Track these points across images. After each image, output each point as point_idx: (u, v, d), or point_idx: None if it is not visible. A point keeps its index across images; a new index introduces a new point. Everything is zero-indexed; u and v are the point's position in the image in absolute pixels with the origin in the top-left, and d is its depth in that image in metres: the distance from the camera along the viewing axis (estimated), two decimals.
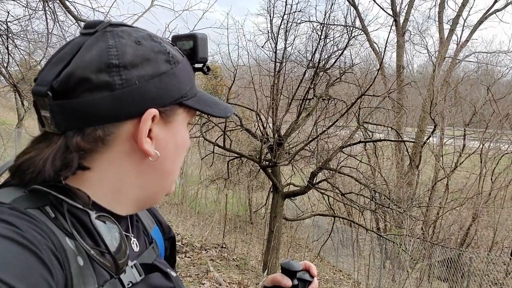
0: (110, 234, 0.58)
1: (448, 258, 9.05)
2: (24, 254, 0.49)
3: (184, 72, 0.66)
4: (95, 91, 0.58)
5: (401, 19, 14.65)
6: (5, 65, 5.48)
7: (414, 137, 13.38)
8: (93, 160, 0.61)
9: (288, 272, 0.86)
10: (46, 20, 5.40)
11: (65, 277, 0.53)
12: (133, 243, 0.72)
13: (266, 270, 7.17)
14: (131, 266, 0.66)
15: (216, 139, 7.94)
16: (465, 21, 14.60)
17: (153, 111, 0.61)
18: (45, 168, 0.57)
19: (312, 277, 0.88)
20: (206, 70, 0.72)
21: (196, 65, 0.71)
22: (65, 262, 0.54)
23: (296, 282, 0.86)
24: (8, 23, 5.28)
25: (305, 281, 0.87)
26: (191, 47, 0.70)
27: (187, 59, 0.69)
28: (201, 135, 7.63)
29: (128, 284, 0.64)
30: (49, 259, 0.51)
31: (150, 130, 0.62)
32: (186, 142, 0.71)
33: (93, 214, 0.57)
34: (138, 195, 0.67)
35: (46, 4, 5.33)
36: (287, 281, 0.85)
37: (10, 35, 5.38)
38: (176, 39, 0.71)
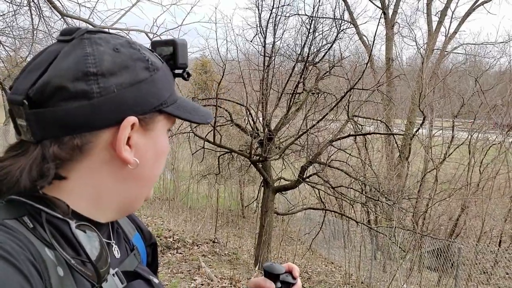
0: (90, 243, 0.58)
1: (438, 248, 9.16)
2: (3, 265, 0.48)
3: (163, 79, 0.65)
4: (72, 100, 0.57)
5: (390, 12, 14.68)
6: None
7: (404, 129, 13.47)
8: (71, 169, 0.61)
9: (271, 275, 0.86)
10: (31, 16, 5.32)
11: None
12: (114, 250, 0.72)
13: (258, 265, 7.20)
14: (113, 274, 0.66)
15: (207, 134, 7.91)
16: (453, 13, 14.70)
17: (132, 119, 0.61)
18: (21, 178, 0.56)
19: (295, 278, 0.87)
20: (186, 76, 0.72)
21: (176, 71, 0.71)
22: (45, 273, 0.53)
23: (279, 285, 0.85)
24: None
25: (288, 284, 0.86)
26: (171, 53, 0.70)
27: (167, 65, 0.69)
28: (191, 131, 7.59)
29: None
30: (28, 270, 0.50)
31: (129, 138, 0.62)
32: (166, 148, 0.71)
33: (72, 223, 0.57)
34: (118, 203, 0.67)
35: (31, 0, 5.25)
36: (270, 285, 0.84)
37: None
38: (156, 45, 0.71)
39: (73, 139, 0.59)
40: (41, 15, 5.38)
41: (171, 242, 7.08)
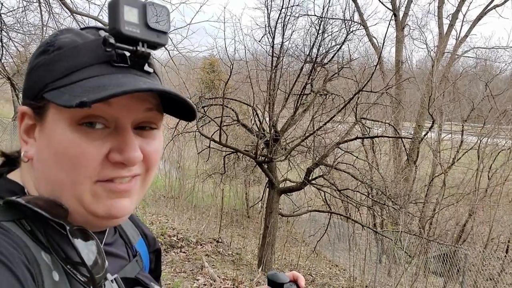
0: (86, 247, 0.56)
1: (444, 253, 9.07)
2: None
3: (63, 58, 0.56)
4: None
5: (401, 14, 14.57)
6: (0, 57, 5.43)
7: (412, 132, 13.37)
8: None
9: (275, 284, 0.85)
10: (41, 12, 5.35)
11: None
12: None
13: (261, 266, 7.18)
14: (112, 281, 0.64)
15: (213, 134, 7.90)
16: (464, 16, 14.58)
17: (21, 109, 0.60)
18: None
19: None
20: (106, 42, 0.54)
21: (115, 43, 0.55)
22: (38, 277, 0.52)
23: None
24: (2, 15, 5.23)
25: None
26: None
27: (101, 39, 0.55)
28: (197, 130, 7.58)
29: None
30: (22, 273, 0.49)
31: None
32: (66, 149, 0.55)
33: (69, 228, 0.56)
34: (66, 202, 0.58)
35: None
36: None
37: (4, 27, 5.33)
38: None
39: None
40: (51, 12, 5.40)
41: (175, 240, 7.08)
